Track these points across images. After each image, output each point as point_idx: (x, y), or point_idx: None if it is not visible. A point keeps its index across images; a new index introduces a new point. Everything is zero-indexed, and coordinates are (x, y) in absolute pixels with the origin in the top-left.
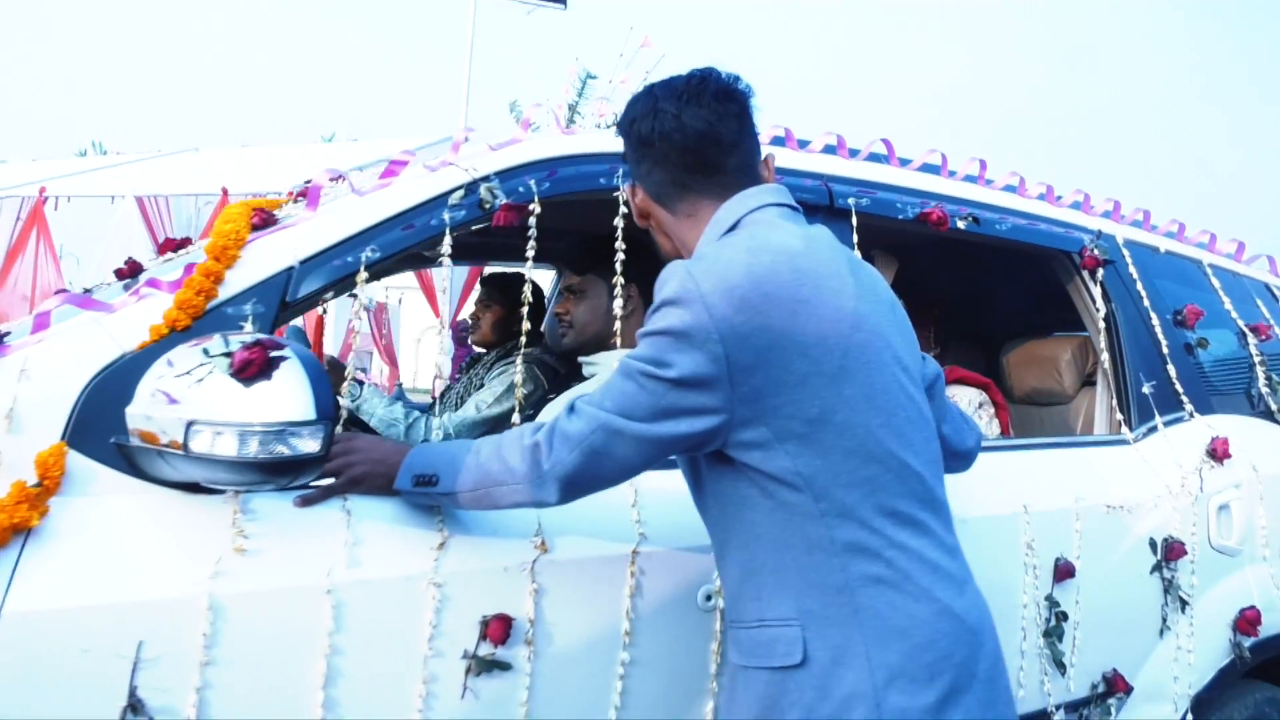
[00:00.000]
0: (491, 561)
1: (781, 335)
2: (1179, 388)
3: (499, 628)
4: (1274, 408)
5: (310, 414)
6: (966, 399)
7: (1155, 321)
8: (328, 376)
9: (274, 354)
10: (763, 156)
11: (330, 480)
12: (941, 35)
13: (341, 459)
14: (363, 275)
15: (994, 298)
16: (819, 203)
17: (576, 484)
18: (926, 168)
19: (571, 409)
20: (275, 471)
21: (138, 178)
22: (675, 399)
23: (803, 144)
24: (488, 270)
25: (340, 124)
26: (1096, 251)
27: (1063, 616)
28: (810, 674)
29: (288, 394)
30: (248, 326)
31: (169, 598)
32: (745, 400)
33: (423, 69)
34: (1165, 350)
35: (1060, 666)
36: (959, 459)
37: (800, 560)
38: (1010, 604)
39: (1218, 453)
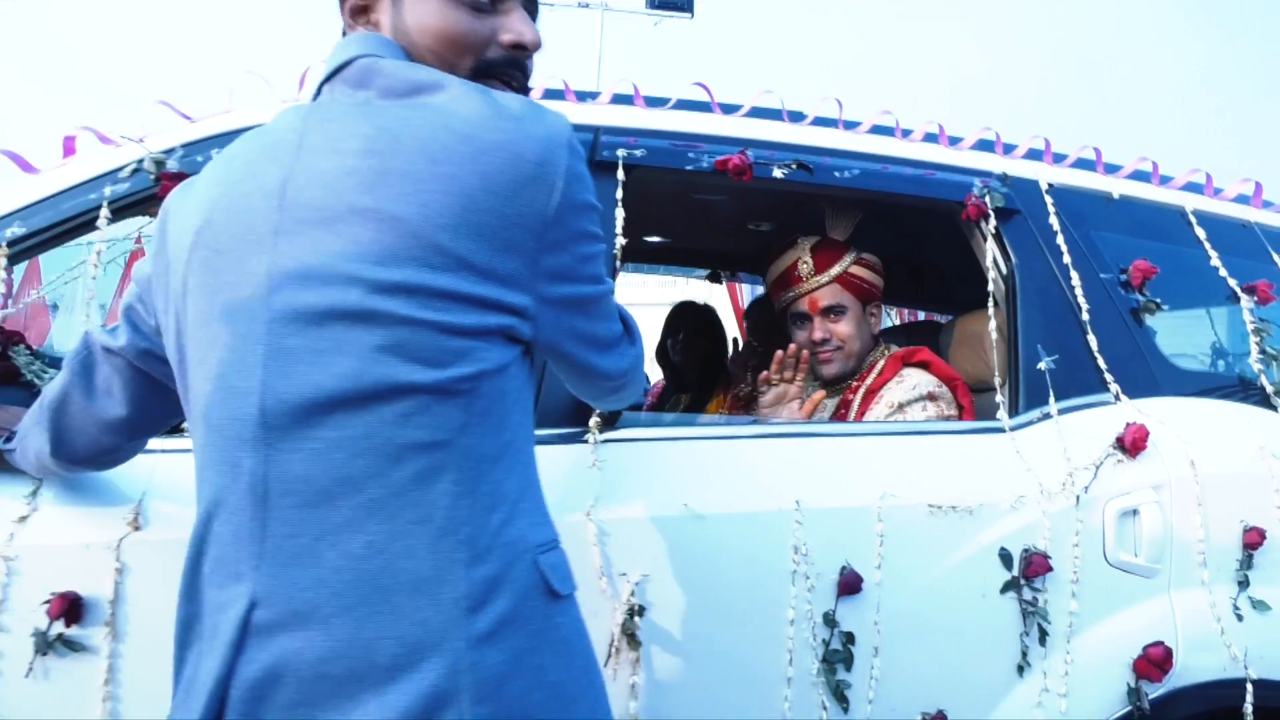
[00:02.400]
0: (74, 538)
1: (171, 246)
2: (1102, 363)
3: (60, 605)
4: (1268, 388)
5: None
6: (913, 383)
7: (1077, 282)
8: None
9: None
10: None
11: None
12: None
13: None
14: (3, 250)
15: (938, 268)
16: None
17: (65, 416)
18: (757, 112)
19: None
20: None
21: None
22: (132, 308)
23: (587, 96)
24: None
25: None
26: (988, 199)
27: (849, 639)
28: None
29: None
30: None
31: None
32: (164, 327)
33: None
34: (1085, 317)
35: (843, 701)
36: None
37: None
38: (773, 622)
39: (1128, 444)
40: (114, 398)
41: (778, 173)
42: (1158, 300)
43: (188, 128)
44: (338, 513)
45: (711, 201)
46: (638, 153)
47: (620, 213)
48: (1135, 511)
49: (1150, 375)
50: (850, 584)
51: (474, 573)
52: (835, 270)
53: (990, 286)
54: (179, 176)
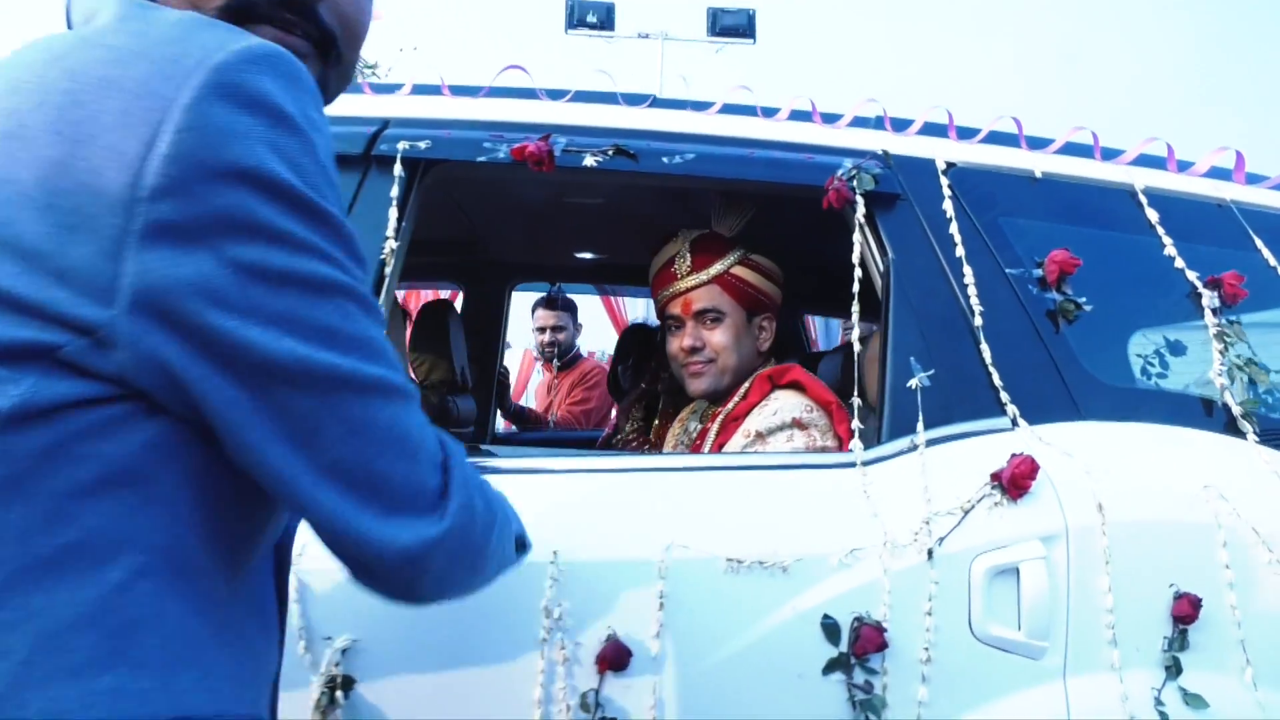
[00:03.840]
0: None
1: None
2: (997, 379)
3: None
4: (1234, 409)
5: None
6: (775, 409)
7: (971, 279)
8: None
9: None
10: None
11: None
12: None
13: None
14: None
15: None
16: (351, 152)
17: None
18: (582, 96)
19: None
20: None
21: None
22: None
23: (388, 89)
24: None
25: None
26: (856, 182)
27: None
28: None
29: None
30: None
31: None
32: None
33: None
34: (978, 322)
35: None
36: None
37: None
38: (516, 702)
39: (1007, 482)
40: None
41: (590, 160)
42: (1080, 300)
43: None
44: None
45: (629, 205)
46: (421, 145)
47: (394, 213)
48: (1012, 570)
49: (1065, 394)
50: (614, 658)
51: None
52: (715, 269)
53: (856, 287)
54: None
